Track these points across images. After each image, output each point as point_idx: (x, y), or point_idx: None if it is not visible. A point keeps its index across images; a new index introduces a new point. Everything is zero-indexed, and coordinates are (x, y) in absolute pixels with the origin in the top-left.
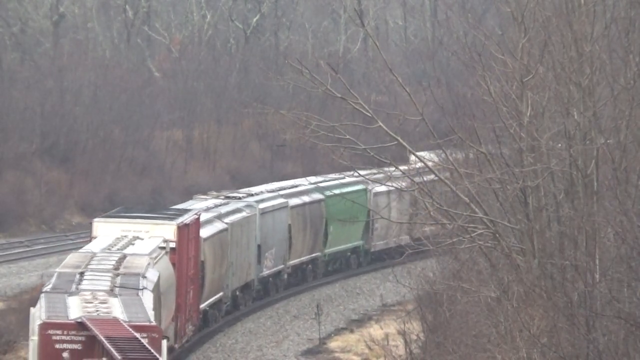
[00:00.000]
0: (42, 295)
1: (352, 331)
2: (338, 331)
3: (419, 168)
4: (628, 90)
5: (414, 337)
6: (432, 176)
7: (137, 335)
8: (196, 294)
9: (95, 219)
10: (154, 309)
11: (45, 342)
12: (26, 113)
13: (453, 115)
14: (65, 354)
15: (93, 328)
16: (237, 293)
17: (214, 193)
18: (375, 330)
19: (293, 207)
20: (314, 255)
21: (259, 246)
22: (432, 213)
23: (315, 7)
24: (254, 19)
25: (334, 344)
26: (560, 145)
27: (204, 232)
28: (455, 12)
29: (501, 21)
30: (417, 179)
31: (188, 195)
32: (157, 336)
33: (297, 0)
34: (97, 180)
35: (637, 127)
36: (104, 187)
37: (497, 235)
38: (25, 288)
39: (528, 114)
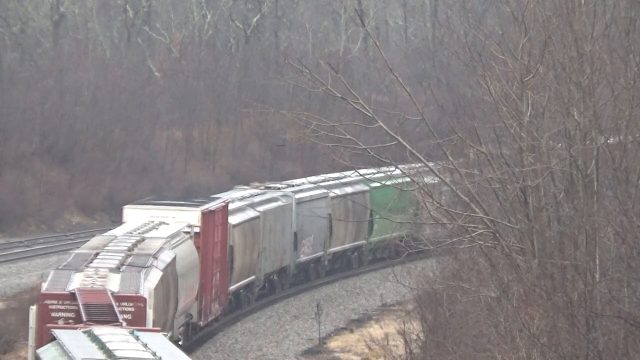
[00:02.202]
0: (52, 271)
1: (352, 331)
2: (338, 331)
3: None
4: (628, 90)
5: (413, 337)
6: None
7: (114, 303)
8: (224, 276)
9: (126, 206)
10: (161, 285)
11: (43, 311)
12: (26, 113)
13: (453, 115)
14: (60, 322)
15: (78, 297)
16: (274, 277)
17: (256, 184)
18: (375, 330)
19: (334, 197)
20: (357, 243)
21: (295, 233)
22: (432, 213)
23: (316, 7)
24: (254, 19)
25: (333, 343)
26: (560, 145)
27: (234, 219)
28: (456, 12)
29: (501, 21)
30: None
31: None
32: (142, 305)
33: (297, 0)
34: (97, 180)
35: (637, 127)
36: (104, 187)
37: (497, 235)
38: (25, 288)
39: (528, 113)
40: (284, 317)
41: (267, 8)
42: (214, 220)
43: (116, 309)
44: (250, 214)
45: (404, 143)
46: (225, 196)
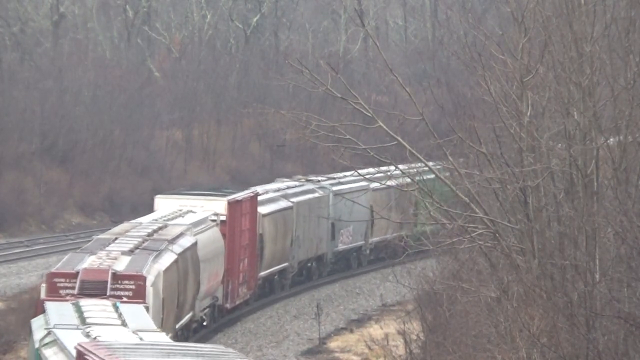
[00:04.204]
0: (70, 253)
1: (352, 331)
2: (338, 331)
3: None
4: (628, 90)
5: (413, 337)
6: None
7: (109, 280)
8: (253, 262)
9: (157, 195)
10: (175, 267)
11: (52, 288)
12: (26, 113)
13: (453, 115)
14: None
15: (80, 274)
16: (312, 265)
17: (299, 176)
18: (375, 330)
19: (375, 189)
20: (401, 233)
21: (332, 224)
22: (432, 213)
23: (316, 7)
24: (254, 19)
25: (333, 344)
26: (560, 145)
27: (265, 209)
28: (456, 12)
29: (501, 21)
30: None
31: None
32: (142, 283)
33: (297, 0)
34: (97, 180)
35: (637, 127)
36: (104, 187)
37: (497, 235)
38: (25, 288)
39: (528, 113)
40: (284, 317)
41: (267, 8)
42: (241, 209)
43: (109, 285)
44: (283, 204)
45: (404, 143)
46: (260, 188)
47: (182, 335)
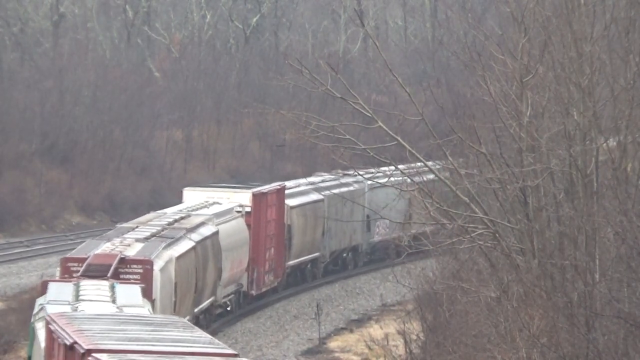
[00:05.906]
0: (87, 240)
1: (352, 331)
2: (338, 331)
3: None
4: (628, 91)
5: (413, 337)
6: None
7: (114, 264)
8: (280, 251)
9: (185, 188)
10: (193, 254)
11: (65, 271)
12: (26, 113)
13: (453, 115)
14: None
15: (89, 258)
16: (348, 255)
17: (338, 170)
18: (375, 330)
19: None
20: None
21: (367, 215)
22: (432, 213)
23: (315, 7)
24: (254, 19)
25: (333, 343)
26: (560, 145)
27: (293, 201)
28: (455, 12)
29: (501, 21)
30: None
31: None
32: (149, 267)
33: (297, 0)
34: (97, 180)
35: (637, 127)
36: (104, 187)
37: (497, 235)
38: (25, 288)
39: (528, 114)
40: (284, 317)
41: (266, 8)
42: (267, 201)
43: (112, 268)
44: (313, 197)
45: (404, 143)
46: (294, 181)
47: (205, 318)
